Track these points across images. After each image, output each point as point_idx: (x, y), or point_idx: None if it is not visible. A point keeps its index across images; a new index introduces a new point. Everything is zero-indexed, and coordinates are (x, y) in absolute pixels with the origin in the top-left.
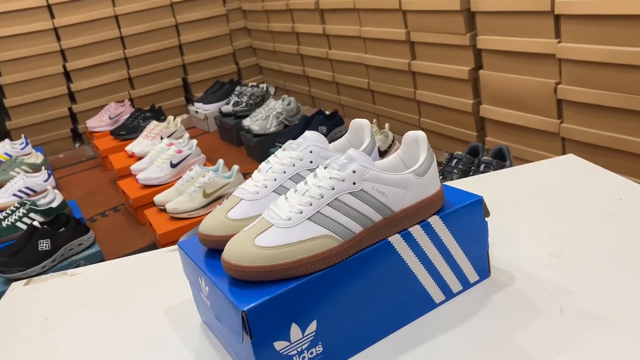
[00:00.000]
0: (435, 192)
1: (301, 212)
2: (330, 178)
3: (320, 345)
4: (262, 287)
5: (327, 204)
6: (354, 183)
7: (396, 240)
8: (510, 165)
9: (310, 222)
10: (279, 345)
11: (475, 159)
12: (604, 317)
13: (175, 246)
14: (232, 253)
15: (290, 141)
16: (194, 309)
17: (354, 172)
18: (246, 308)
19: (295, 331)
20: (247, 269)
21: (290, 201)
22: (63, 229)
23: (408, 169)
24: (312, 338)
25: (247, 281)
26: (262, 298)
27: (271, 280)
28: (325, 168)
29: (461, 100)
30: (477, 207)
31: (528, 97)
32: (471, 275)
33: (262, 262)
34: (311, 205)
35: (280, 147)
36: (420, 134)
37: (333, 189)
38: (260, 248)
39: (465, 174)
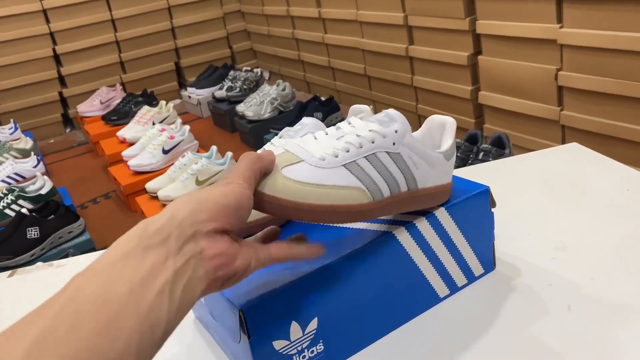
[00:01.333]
0: (448, 183)
1: (337, 156)
2: (370, 130)
3: (321, 344)
4: (260, 283)
5: (365, 157)
6: (394, 143)
7: (400, 233)
8: (510, 153)
9: (344, 169)
10: (278, 344)
11: (474, 147)
12: (612, 314)
13: None
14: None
15: (287, 128)
16: None
17: (396, 131)
18: (243, 306)
19: (295, 329)
20: (272, 200)
21: (321, 143)
22: (52, 216)
23: (438, 150)
24: (312, 336)
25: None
26: (260, 295)
27: (270, 276)
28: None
29: (459, 87)
30: (483, 197)
31: (528, 84)
32: (476, 268)
33: (290, 197)
34: (348, 152)
35: (276, 134)
36: (449, 119)
37: (373, 142)
38: (289, 180)
39: (463, 162)
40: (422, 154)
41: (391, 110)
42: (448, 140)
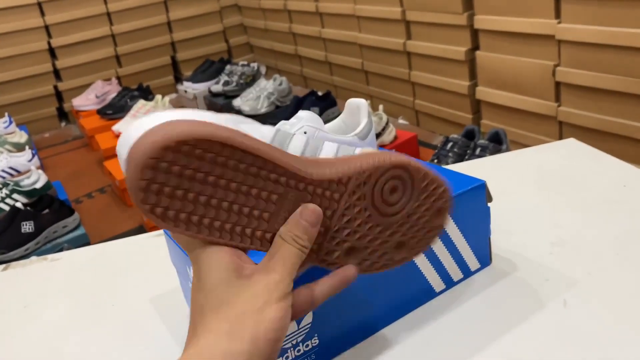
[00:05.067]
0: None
1: None
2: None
3: (316, 338)
4: None
5: None
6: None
7: None
8: (507, 149)
9: None
10: None
11: (471, 143)
12: (609, 310)
13: (162, 230)
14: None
15: (283, 122)
16: (181, 297)
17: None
18: None
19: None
20: None
21: None
22: (47, 210)
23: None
24: (307, 330)
25: None
26: None
27: None
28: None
29: (457, 82)
30: (480, 191)
31: (525, 80)
32: (472, 262)
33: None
34: None
35: None
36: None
37: None
38: None
39: (460, 157)
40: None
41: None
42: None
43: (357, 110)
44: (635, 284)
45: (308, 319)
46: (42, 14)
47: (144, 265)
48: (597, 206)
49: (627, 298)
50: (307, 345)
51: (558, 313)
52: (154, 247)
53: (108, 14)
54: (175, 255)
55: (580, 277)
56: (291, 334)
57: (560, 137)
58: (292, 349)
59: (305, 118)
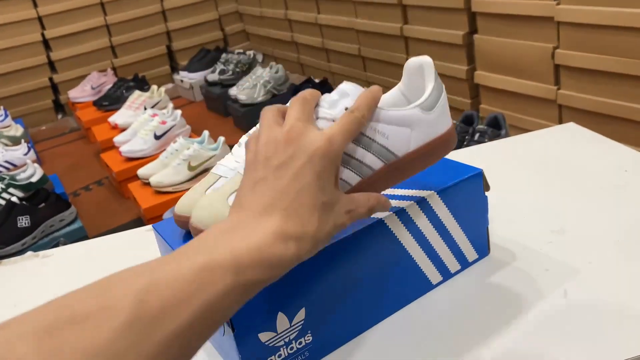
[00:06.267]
0: (446, 131)
1: None
2: (318, 118)
3: (309, 334)
4: None
5: None
6: None
7: (390, 219)
8: (506, 134)
9: None
10: (264, 336)
11: (470, 128)
12: (610, 300)
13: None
14: (205, 217)
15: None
16: None
17: (346, 109)
18: None
19: (282, 321)
20: None
21: None
22: (43, 204)
23: (412, 104)
24: (300, 327)
25: None
26: None
27: None
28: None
29: (455, 67)
30: (476, 180)
31: (524, 63)
32: (470, 253)
33: None
34: None
35: None
36: (426, 59)
37: None
38: None
39: (459, 143)
40: (389, 119)
41: (344, 84)
42: (429, 86)
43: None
44: (636, 273)
45: (301, 315)
46: (35, 5)
47: (135, 261)
48: (598, 192)
49: (628, 287)
50: (300, 343)
51: (558, 303)
52: (146, 242)
53: (102, 4)
54: (165, 251)
55: (581, 266)
56: (284, 331)
57: (560, 121)
58: (285, 346)
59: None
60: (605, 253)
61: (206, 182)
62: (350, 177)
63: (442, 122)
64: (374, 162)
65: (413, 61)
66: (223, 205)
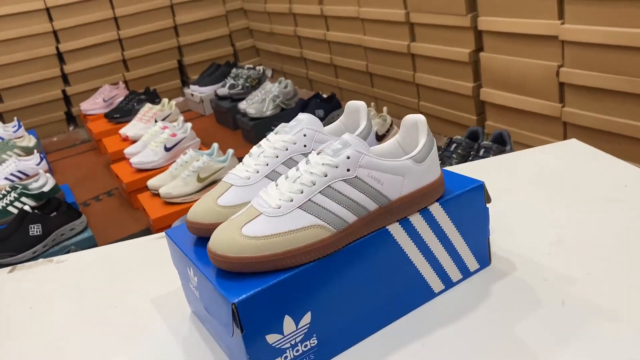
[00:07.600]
0: (434, 180)
1: (291, 200)
2: (322, 164)
3: (314, 338)
4: (254, 278)
5: (320, 192)
6: (348, 170)
7: (394, 229)
8: (511, 150)
9: (301, 210)
10: (271, 338)
11: (475, 144)
12: (607, 310)
13: (163, 233)
14: (218, 243)
15: (283, 124)
16: (183, 298)
17: (348, 158)
18: (236, 300)
19: (288, 323)
20: (234, 260)
21: (280, 188)
22: (54, 213)
23: (407, 155)
24: (306, 330)
25: (237, 272)
26: (254, 290)
27: (262, 272)
28: (318, 154)
29: (461, 84)
30: (478, 192)
31: (529, 81)
32: (471, 263)
33: (250, 253)
34: (302, 192)
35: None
36: (420, 117)
37: (326, 175)
38: (247, 238)
39: (464, 158)
40: (384, 168)
41: (346, 135)
42: (421, 140)
43: (356, 112)
44: (634, 284)
45: (307, 319)
46: (51, 19)
47: (146, 266)
48: (597, 206)
49: (626, 298)
50: (305, 346)
51: (557, 313)
52: (155, 249)
53: (115, 19)
54: (176, 257)
55: (579, 277)
56: (290, 334)
57: (565, 138)
58: (290, 348)
59: (305, 120)
60: (603, 264)
61: (218, 190)
62: (348, 216)
63: (432, 171)
64: (369, 204)
65: (409, 118)
66: (236, 234)
